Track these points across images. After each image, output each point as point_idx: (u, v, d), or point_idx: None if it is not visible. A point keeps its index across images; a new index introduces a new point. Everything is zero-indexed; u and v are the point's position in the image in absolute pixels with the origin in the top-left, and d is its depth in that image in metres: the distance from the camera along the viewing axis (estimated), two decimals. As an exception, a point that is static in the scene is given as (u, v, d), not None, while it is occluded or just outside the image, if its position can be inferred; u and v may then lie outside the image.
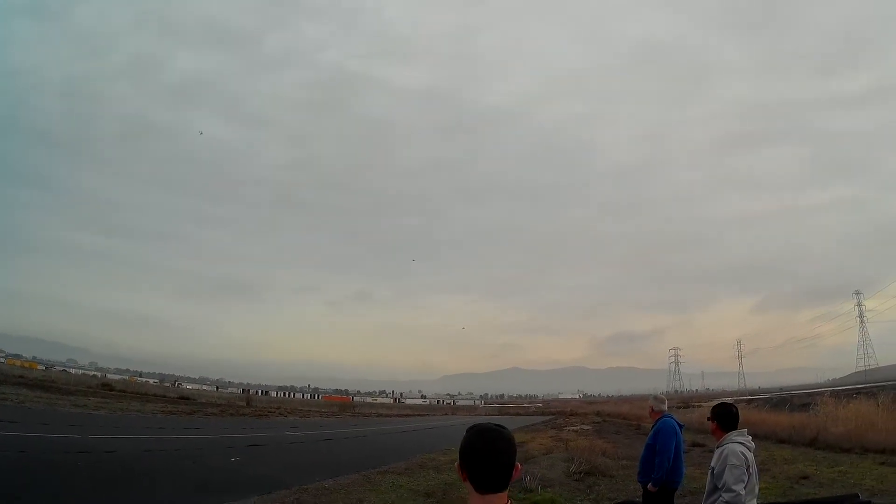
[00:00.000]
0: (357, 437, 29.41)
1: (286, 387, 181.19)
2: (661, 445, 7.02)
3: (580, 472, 15.03)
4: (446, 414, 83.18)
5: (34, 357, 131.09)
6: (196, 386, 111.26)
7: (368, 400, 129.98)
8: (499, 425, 2.19)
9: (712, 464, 5.20)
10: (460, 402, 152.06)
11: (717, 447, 5.26)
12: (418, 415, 74.20)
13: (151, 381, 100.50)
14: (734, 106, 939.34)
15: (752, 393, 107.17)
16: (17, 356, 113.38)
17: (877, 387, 40.24)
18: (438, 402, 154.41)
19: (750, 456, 5.03)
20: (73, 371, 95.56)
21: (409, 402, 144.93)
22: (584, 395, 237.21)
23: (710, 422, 5.44)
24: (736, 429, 5.26)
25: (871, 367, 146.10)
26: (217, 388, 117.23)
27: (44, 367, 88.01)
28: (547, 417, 66.72)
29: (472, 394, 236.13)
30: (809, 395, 44.12)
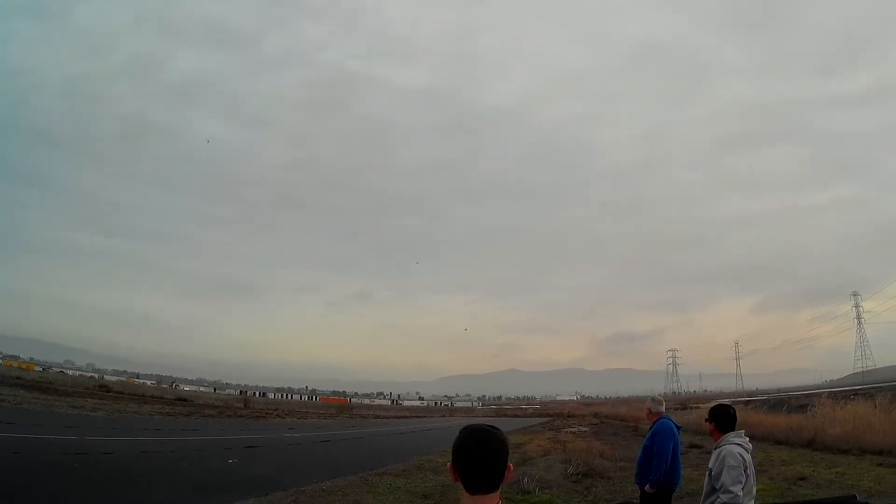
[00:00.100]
0: (354, 438, 29.35)
1: (284, 388, 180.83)
2: (658, 447, 7.02)
3: (578, 474, 15.03)
4: (444, 415, 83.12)
5: (31, 358, 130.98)
6: (193, 387, 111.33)
7: (366, 401, 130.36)
8: (491, 426, 2.18)
9: (710, 465, 5.19)
10: (458, 404, 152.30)
11: (715, 448, 5.25)
12: (416, 416, 74.18)
13: (149, 382, 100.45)
14: (734, 106, 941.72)
15: (750, 394, 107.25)
16: (15, 357, 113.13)
17: (874, 388, 40.31)
18: (436, 403, 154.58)
19: (747, 457, 5.02)
20: (70, 372, 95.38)
21: (406, 403, 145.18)
22: (582, 396, 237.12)
23: (708, 423, 5.43)
24: (734, 430, 5.26)
25: (868, 368, 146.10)
26: (214, 389, 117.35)
27: (41, 369, 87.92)
28: (544, 419, 66.73)
29: (469, 395, 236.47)
30: (807, 396, 44.16)
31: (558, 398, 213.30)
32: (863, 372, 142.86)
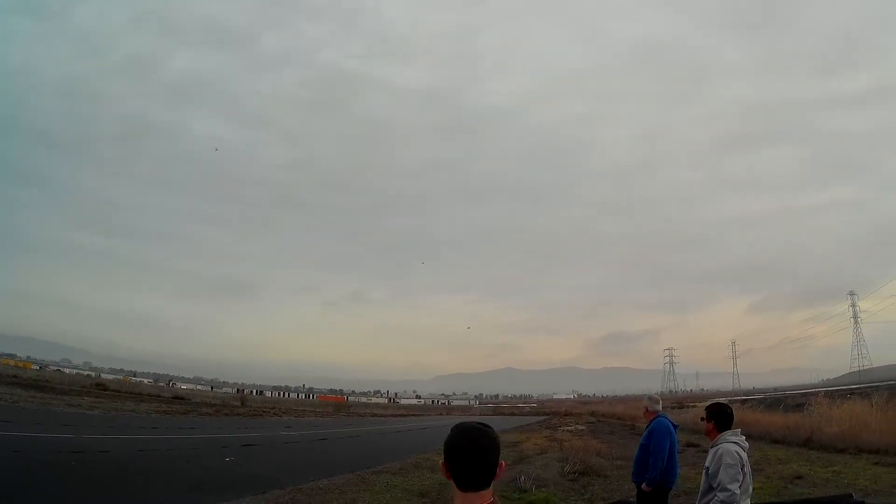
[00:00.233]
0: (352, 436, 29.36)
1: (281, 387, 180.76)
2: (655, 446, 7.03)
3: (575, 472, 15.04)
4: (441, 414, 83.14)
5: (28, 357, 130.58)
6: (191, 386, 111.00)
7: (363, 400, 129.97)
8: (483, 424, 2.20)
9: (707, 463, 5.20)
10: (455, 403, 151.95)
11: (712, 447, 5.26)
12: (413, 415, 74.19)
13: (146, 380, 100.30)
14: (734, 106, 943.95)
15: (747, 393, 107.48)
16: (12, 356, 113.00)
17: (871, 387, 40.51)
18: (433, 402, 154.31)
19: (744, 455, 5.03)
20: (67, 371, 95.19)
21: (403, 402, 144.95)
22: (579, 395, 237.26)
23: (706, 422, 5.42)
24: (730, 429, 5.28)
25: (865, 367, 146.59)
26: (212, 387, 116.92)
27: (38, 367, 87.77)
28: (541, 418, 66.76)
29: (466, 394, 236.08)
30: (804, 395, 44.24)
31: (555, 397, 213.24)
32: (859, 371, 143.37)
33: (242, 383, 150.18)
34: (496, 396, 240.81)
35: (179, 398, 47.70)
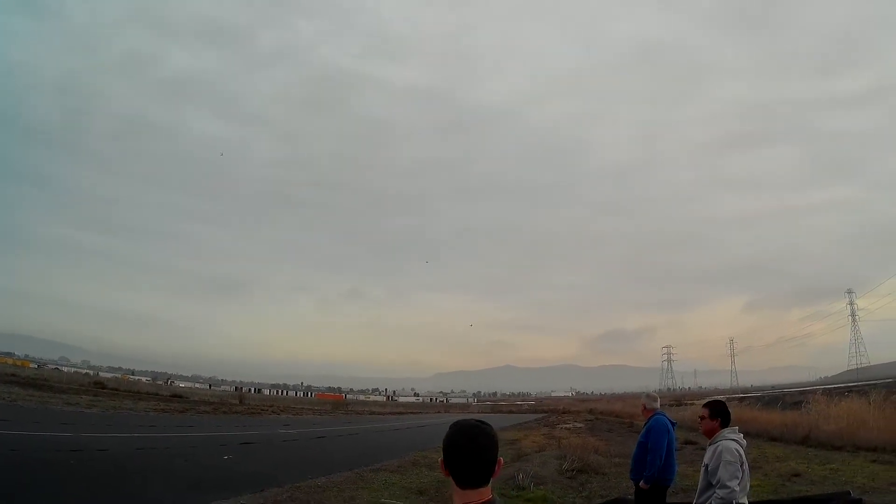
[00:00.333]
0: (350, 434, 29.37)
1: (279, 385, 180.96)
2: (653, 443, 7.04)
3: (573, 470, 15.06)
4: (439, 412, 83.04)
5: (26, 355, 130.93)
6: (188, 384, 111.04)
7: (361, 398, 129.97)
8: (481, 421, 2.20)
9: (706, 461, 5.21)
10: (453, 400, 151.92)
11: (711, 444, 5.26)
12: (411, 412, 74.16)
13: (144, 379, 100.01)
14: (733, 106, 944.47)
15: (745, 391, 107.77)
16: (9, 354, 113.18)
17: (868, 385, 40.54)
18: (431, 399, 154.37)
19: (743, 453, 5.05)
20: (65, 369, 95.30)
21: (401, 399, 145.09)
22: (577, 392, 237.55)
23: (711, 420, 5.37)
24: (728, 426, 5.29)
25: (862, 365, 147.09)
26: (210, 385, 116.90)
27: (36, 366, 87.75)
28: (539, 415, 66.87)
29: (464, 391, 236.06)
30: (801, 393, 44.33)
31: (553, 394, 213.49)
32: (857, 369, 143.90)
33: (240, 381, 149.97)
34: (494, 394, 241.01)
35: (177, 396, 47.65)
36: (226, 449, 17.12)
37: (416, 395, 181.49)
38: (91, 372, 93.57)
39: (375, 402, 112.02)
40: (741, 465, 4.97)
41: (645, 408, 7.68)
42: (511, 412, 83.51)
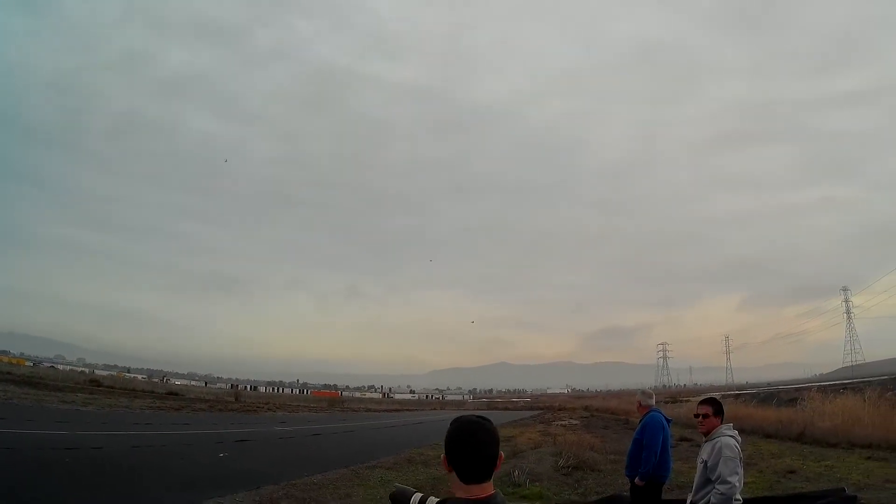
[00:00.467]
0: (346, 432, 29.40)
1: (275, 382, 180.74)
2: (648, 440, 7.05)
3: (568, 467, 15.07)
4: (435, 409, 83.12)
5: (22, 353, 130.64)
6: (184, 381, 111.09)
7: (357, 395, 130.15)
8: (482, 417, 2.23)
9: (704, 457, 5.21)
10: (449, 397, 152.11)
11: (709, 440, 5.27)
12: (407, 409, 74.18)
13: (140, 376, 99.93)
14: (731, 106, 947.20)
15: (740, 388, 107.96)
16: (5, 352, 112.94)
17: (863, 382, 40.66)
18: (427, 396, 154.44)
19: (739, 449, 5.07)
20: (61, 367, 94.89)
21: (397, 396, 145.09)
22: (573, 389, 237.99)
23: (711, 417, 5.35)
24: (723, 422, 5.31)
25: (857, 362, 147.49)
26: (206, 383, 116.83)
27: (32, 364, 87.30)
28: (535, 412, 66.92)
29: (460, 388, 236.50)
30: (797, 390, 44.43)
31: (549, 391, 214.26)
32: (852, 366, 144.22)
33: (236, 379, 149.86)
34: (490, 391, 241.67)
35: (173, 394, 47.58)
36: (221, 446, 17.11)
37: (411, 392, 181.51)
38: (87, 370, 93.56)
39: (371, 400, 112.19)
40: (740, 461, 5.00)
41: (640, 405, 7.69)
42: (507, 409, 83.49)
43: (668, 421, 7.39)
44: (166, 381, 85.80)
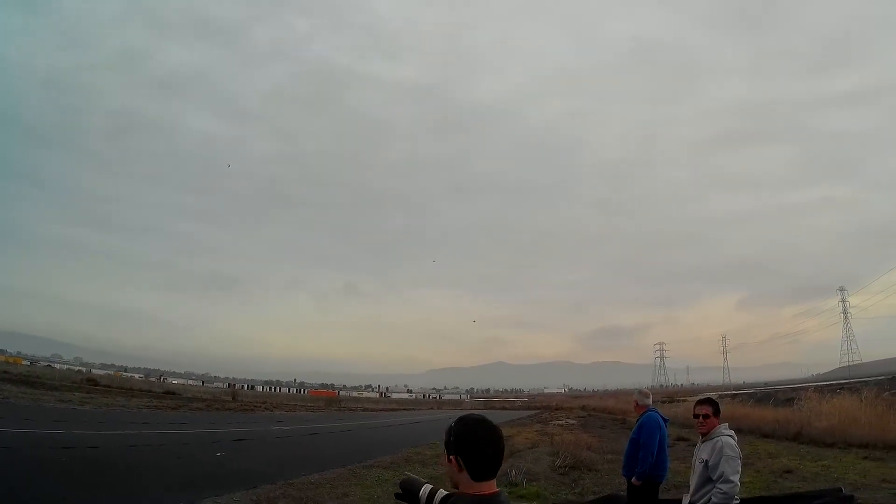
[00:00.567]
0: (343, 431, 29.38)
1: (272, 381, 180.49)
2: (645, 439, 7.07)
3: (565, 466, 15.08)
4: (432, 408, 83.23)
5: (19, 352, 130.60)
6: (181, 381, 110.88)
7: (354, 394, 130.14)
8: (483, 416, 2.29)
9: (704, 456, 5.20)
10: (446, 397, 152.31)
11: (708, 440, 5.27)
12: (404, 409, 74.23)
13: (137, 375, 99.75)
14: (731, 105, 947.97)
15: (737, 388, 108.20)
16: (2, 351, 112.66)
17: (860, 382, 40.73)
18: (424, 396, 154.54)
19: (737, 448, 5.09)
20: (57, 366, 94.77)
21: (394, 396, 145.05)
22: (570, 389, 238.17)
23: (712, 417, 5.34)
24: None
25: (854, 362, 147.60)
26: (203, 382, 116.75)
27: (28, 363, 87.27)
28: (532, 412, 66.92)
29: (457, 388, 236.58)
30: (794, 390, 44.50)
31: (546, 391, 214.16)
32: (849, 366, 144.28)
33: (234, 378, 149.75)
34: (487, 391, 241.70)
35: (170, 393, 47.57)
36: (219, 446, 17.08)
37: (409, 391, 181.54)
38: (84, 369, 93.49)
39: (368, 399, 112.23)
40: (740, 460, 5.02)
41: (637, 404, 7.71)
42: (504, 409, 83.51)
43: (666, 420, 7.41)
44: (163, 381, 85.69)
